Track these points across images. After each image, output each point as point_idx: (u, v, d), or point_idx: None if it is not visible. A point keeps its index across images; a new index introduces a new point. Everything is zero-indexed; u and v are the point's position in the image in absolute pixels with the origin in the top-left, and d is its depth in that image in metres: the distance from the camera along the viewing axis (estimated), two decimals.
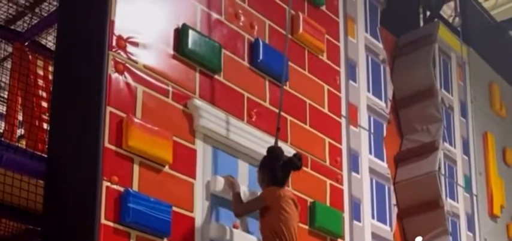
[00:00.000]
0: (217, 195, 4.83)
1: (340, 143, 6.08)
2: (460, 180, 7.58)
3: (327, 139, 5.90)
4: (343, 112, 6.26)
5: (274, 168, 4.73)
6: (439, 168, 7.17)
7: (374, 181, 6.59)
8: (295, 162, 4.81)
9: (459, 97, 7.86)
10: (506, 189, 8.27)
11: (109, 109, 4.31)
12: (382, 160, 6.78)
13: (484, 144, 8.14)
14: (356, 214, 6.19)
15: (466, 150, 7.75)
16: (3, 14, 6.48)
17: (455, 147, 7.61)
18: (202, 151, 4.81)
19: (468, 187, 7.61)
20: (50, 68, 6.10)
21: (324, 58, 6.09)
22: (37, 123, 5.94)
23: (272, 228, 4.58)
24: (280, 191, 4.67)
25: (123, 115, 4.36)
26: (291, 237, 4.62)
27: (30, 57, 6.15)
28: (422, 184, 6.99)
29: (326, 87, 6.03)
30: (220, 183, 4.81)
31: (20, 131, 6.33)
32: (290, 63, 5.55)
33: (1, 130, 6.61)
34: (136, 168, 4.37)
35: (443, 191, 7.13)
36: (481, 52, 8.34)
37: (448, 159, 7.45)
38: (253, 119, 5.21)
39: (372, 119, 6.73)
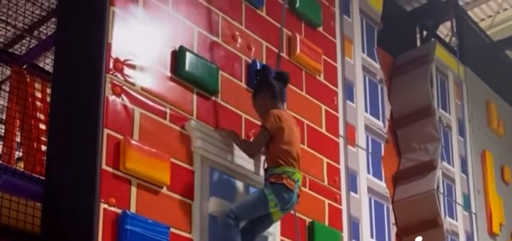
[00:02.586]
0: (215, 216, 4.82)
1: (338, 163, 6.08)
2: (459, 199, 7.58)
3: (325, 160, 5.90)
4: (341, 132, 6.27)
5: (271, 83, 4.88)
6: (438, 186, 7.18)
7: (372, 200, 6.59)
8: (284, 74, 4.99)
9: (457, 116, 7.88)
10: (505, 207, 8.27)
11: (106, 131, 4.31)
12: (381, 179, 6.79)
13: (482, 162, 8.15)
14: (355, 234, 6.18)
15: (464, 169, 7.76)
16: (2, 37, 6.52)
17: (453, 166, 7.62)
18: (200, 172, 4.81)
19: (467, 206, 7.61)
20: (48, 90, 6.13)
21: (322, 79, 6.11)
22: (35, 145, 5.96)
23: (281, 153, 4.67)
24: (278, 113, 4.76)
25: (121, 137, 4.36)
26: (298, 156, 4.75)
27: (28, 79, 6.18)
28: (421, 203, 6.99)
29: (324, 107, 6.05)
30: (218, 204, 4.81)
31: (18, 153, 6.35)
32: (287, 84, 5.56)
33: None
34: (133, 189, 4.37)
35: (442, 210, 7.13)
36: (478, 71, 8.38)
37: (447, 177, 7.46)
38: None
39: (369, 138, 6.75)
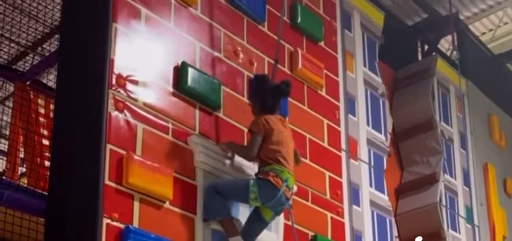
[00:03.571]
0: (218, 231, 4.84)
1: (341, 176, 6.10)
2: (462, 211, 7.59)
3: (327, 173, 5.92)
4: (343, 146, 6.29)
5: (263, 97, 4.92)
6: (440, 199, 7.19)
7: (375, 213, 6.60)
8: (284, 88, 4.98)
9: (459, 129, 7.90)
10: (508, 220, 8.27)
11: (109, 146, 4.34)
12: (383, 192, 6.80)
13: (485, 175, 8.16)
14: None
15: (466, 181, 7.77)
16: (6, 54, 6.56)
17: (455, 179, 7.63)
18: (203, 186, 4.82)
19: (470, 219, 7.61)
20: (51, 106, 6.16)
21: (323, 93, 6.14)
22: (38, 161, 5.97)
23: (270, 153, 4.75)
24: (266, 118, 4.82)
25: (123, 152, 4.39)
26: (289, 156, 4.82)
27: (31, 95, 6.20)
28: (424, 216, 7.00)
29: (326, 121, 6.07)
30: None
31: (21, 168, 6.37)
32: (289, 99, 5.60)
33: (3, 168, 6.65)
34: (136, 204, 4.38)
35: (444, 222, 7.14)
36: (479, 84, 8.40)
37: (449, 190, 7.47)
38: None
39: (371, 152, 6.76)
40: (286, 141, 4.87)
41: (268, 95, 4.94)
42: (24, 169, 6.27)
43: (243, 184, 4.77)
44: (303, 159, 5.65)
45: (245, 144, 5.14)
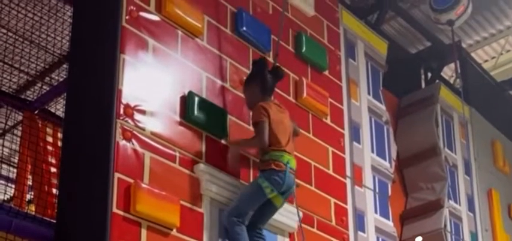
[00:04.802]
0: None
1: (346, 203, 6.14)
2: (467, 237, 7.60)
3: (333, 200, 5.96)
4: (348, 173, 6.34)
5: (265, 77, 5.03)
6: (445, 225, 7.20)
7: (380, 240, 6.62)
8: (280, 71, 5.14)
9: (462, 155, 7.93)
10: None
11: (117, 175, 4.39)
12: (388, 219, 6.83)
13: (489, 200, 8.17)
14: None
15: (471, 207, 7.78)
16: (15, 84, 6.64)
17: (460, 205, 7.65)
18: (210, 214, 4.87)
19: None
20: (59, 135, 6.23)
21: (328, 121, 6.19)
22: (46, 189, 6.03)
23: (269, 142, 4.85)
24: (264, 105, 4.92)
25: (131, 180, 4.43)
26: (287, 137, 4.95)
27: (39, 124, 6.28)
28: None
29: (330, 149, 6.12)
30: None
31: (29, 195, 6.42)
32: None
33: (11, 195, 6.71)
34: (144, 232, 4.42)
35: None
36: (482, 111, 8.44)
37: (454, 216, 7.49)
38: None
39: (376, 178, 6.80)
40: (283, 125, 4.97)
41: (268, 76, 5.06)
42: (32, 195, 6.33)
43: (255, 187, 4.87)
44: (308, 187, 5.72)
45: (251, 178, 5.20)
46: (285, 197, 4.95)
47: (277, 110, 5.03)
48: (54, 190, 5.92)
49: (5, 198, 6.73)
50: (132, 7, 4.77)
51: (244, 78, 5.40)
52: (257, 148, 5.10)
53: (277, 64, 5.31)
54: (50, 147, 6.26)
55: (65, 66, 6.18)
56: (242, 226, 4.76)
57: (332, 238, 5.82)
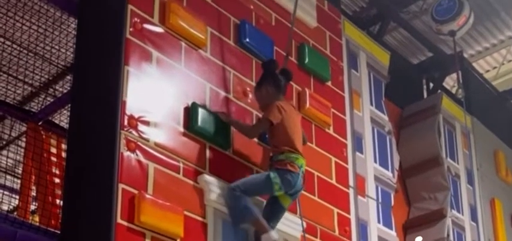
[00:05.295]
0: None
1: (349, 213, 6.15)
2: None
3: (336, 210, 5.97)
4: (351, 183, 6.35)
5: (277, 76, 5.13)
6: (448, 235, 7.21)
7: None
8: (288, 71, 5.27)
9: (465, 165, 7.95)
10: None
11: (121, 186, 4.41)
12: (391, 228, 6.84)
13: (492, 210, 8.18)
14: None
15: (474, 217, 7.79)
16: (19, 96, 6.67)
17: (463, 214, 7.66)
18: (213, 224, 4.89)
19: None
20: (63, 146, 6.25)
21: (331, 131, 6.22)
22: (50, 199, 6.06)
23: (284, 142, 4.96)
24: (281, 104, 5.01)
25: (135, 191, 4.45)
26: (299, 140, 5.06)
27: (43, 135, 6.30)
28: None
29: (333, 159, 6.14)
30: None
31: (33, 205, 6.45)
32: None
33: (15, 206, 6.74)
34: None
35: None
36: (484, 121, 8.46)
37: (457, 226, 7.49)
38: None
39: (379, 188, 6.82)
40: (297, 127, 5.09)
41: (279, 75, 5.16)
42: (36, 205, 6.35)
43: (265, 177, 4.95)
44: (311, 197, 5.74)
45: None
46: (292, 199, 5.04)
47: (292, 111, 5.13)
48: (58, 201, 5.95)
49: (9, 209, 6.75)
50: (136, 19, 4.81)
51: (248, 88, 5.44)
52: (249, 136, 5.20)
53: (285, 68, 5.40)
54: (54, 158, 6.28)
55: (69, 77, 6.22)
56: (244, 196, 4.84)
57: None
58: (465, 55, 9.14)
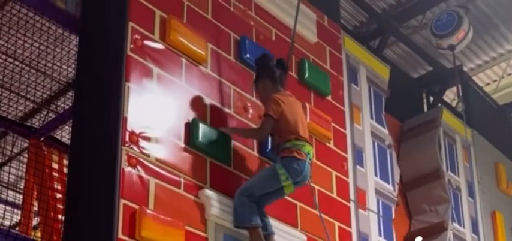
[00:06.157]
0: None
1: (350, 227, 6.17)
2: None
3: (337, 224, 5.98)
4: (352, 196, 6.37)
5: (271, 69, 5.15)
6: None
7: None
8: (283, 62, 5.28)
9: (466, 178, 7.97)
10: None
11: (122, 201, 4.42)
12: None
13: (493, 223, 8.19)
14: None
15: (475, 230, 7.80)
16: (21, 112, 6.70)
17: (464, 227, 7.67)
18: (214, 239, 4.90)
19: None
20: (65, 162, 6.28)
21: (331, 145, 6.24)
22: (52, 215, 6.07)
23: (288, 131, 4.97)
24: (278, 97, 5.04)
25: (136, 207, 4.47)
26: (304, 127, 5.08)
27: (45, 151, 6.33)
28: None
29: (334, 173, 6.15)
30: None
31: (35, 220, 6.46)
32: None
33: (17, 221, 6.75)
34: None
35: None
36: (485, 134, 8.49)
37: (458, 238, 7.50)
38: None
39: (380, 202, 6.83)
40: (299, 115, 5.10)
41: (273, 67, 5.18)
42: (38, 220, 6.36)
43: (270, 172, 4.98)
44: (312, 211, 5.73)
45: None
46: (296, 186, 5.04)
47: (291, 100, 5.14)
48: (59, 217, 5.96)
49: (11, 224, 6.77)
50: (136, 36, 4.84)
51: (248, 104, 5.46)
52: (258, 138, 5.25)
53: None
54: (55, 174, 6.30)
55: (70, 93, 6.25)
56: (251, 204, 4.89)
57: None
58: (465, 69, 9.18)
